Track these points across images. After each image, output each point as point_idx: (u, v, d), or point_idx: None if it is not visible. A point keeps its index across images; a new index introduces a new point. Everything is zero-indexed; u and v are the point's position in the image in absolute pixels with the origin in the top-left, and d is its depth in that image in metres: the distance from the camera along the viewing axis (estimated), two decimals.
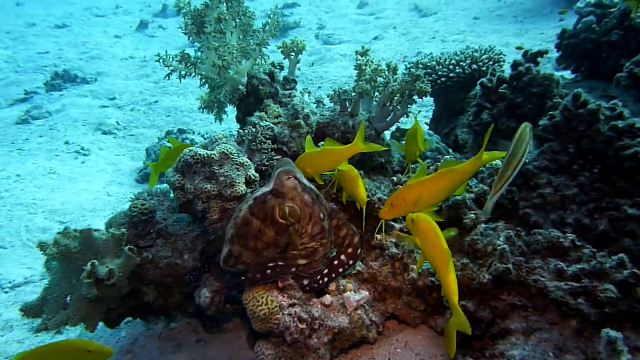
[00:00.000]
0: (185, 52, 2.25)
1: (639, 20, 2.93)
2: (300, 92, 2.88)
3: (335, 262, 1.86)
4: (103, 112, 7.00)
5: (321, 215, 1.80)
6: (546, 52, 2.69)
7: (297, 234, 1.76)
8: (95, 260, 1.69)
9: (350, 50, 8.61)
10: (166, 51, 2.23)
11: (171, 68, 2.24)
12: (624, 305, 1.51)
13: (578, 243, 1.68)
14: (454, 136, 3.23)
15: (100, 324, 1.96)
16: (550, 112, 2.00)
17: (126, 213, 2.03)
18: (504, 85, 2.68)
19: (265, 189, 1.78)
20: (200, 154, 1.87)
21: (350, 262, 1.86)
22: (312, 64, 9.10)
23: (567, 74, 3.72)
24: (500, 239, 1.76)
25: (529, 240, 1.76)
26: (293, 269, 1.76)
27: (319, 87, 7.92)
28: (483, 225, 1.98)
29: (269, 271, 1.73)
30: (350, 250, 1.87)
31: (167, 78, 2.28)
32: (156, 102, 7.47)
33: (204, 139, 5.95)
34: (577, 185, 1.92)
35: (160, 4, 12.71)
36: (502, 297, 1.71)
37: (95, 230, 1.87)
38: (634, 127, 1.87)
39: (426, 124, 4.12)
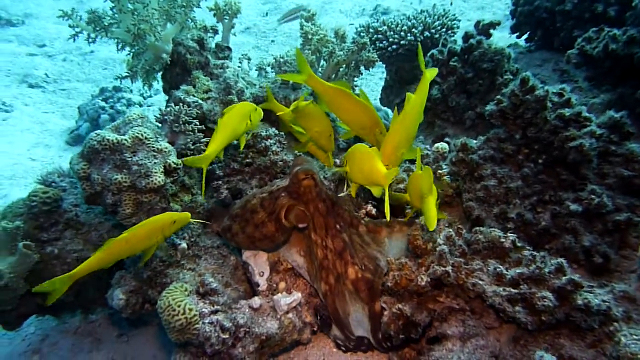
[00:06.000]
0: (97, 12, 1.93)
1: None
2: (239, 59, 2.62)
3: None
4: (31, 62, 6.32)
5: (338, 226, 1.74)
6: (499, 23, 2.53)
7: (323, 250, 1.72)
8: None
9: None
10: (73, 9, 1.90)
11: (77, 29, 1.92)
12: (561, 314, 1.45)
13: (519, 245, 1.59)
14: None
15: None
16: (498, 97, 1.87)
17: (25, 202, 1.77)
18: (455, 58, 2.52)
19: (281, 185, 1.75)
20: (109, 139, 1.61)
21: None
22: (267, 14, 8.57)
23: (522, 42, 3.60)
24: (441, 238, 1.65)
25: (470, 239, 1.65)
26: None
27: (272, 41, 7.50)
28: None
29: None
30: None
31: (72, 40, 1.95)
32: (92, 52, 6.83)
33: (144, 99, 5.52)
34: (521, 177, 1.83)
35: None
36: (441, 299, 1.62)
37: None
38: (580, 117, 1.77)
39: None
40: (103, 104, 4.99)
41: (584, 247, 1.72)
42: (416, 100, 1.64)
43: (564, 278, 1.46)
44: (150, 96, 5.53)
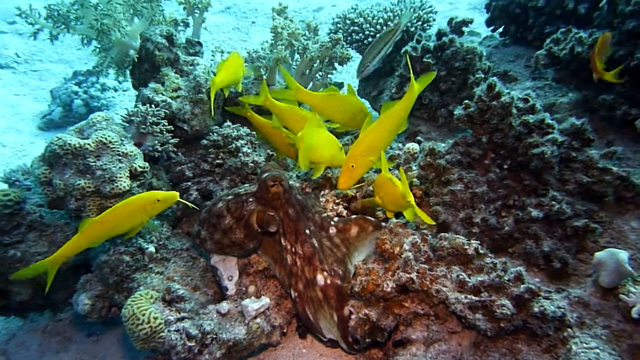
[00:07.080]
0: (53, 7, 1.85)
1: None
2: (212, 52, 2.58)
3: None
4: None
5: (307, 231, 1.73)
6: (471, 21, 2.54)
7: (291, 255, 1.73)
8: None
9: None
10: (30, 5, 1.83)
11: (37, 26, 1.85)
12: (519, 320, 1.50)
13: (481, 251, 1.63)
14: (381, 106, 3.09)
15: None
16: (465, 101, 1.88)
17: None
18: (429, 55, 2.52)
19: (249, 189, 1.74)
20: (70, 143, 1.58)
21: None
22: None
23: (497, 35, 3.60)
24: (407, 243, 1.67)
25: (435, 244, 1.68)
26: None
27: (253, 22, 7.33)
28: (394, 219, 1.89)
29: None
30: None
31: (32, 38, 1.89)
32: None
33: (119, 83, 5.38)
34: (487, 182, 1.85)
35: None
36: (406, 304, 1.66)
37: None
38: (543, 123, 1.80)
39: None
40: (76, 88, 4.85)
41: (544, 252, 1.77)
42: (395, 110, 1.63)
43: (522, 286, 1.51)
44: (126, 80, 5.39)
